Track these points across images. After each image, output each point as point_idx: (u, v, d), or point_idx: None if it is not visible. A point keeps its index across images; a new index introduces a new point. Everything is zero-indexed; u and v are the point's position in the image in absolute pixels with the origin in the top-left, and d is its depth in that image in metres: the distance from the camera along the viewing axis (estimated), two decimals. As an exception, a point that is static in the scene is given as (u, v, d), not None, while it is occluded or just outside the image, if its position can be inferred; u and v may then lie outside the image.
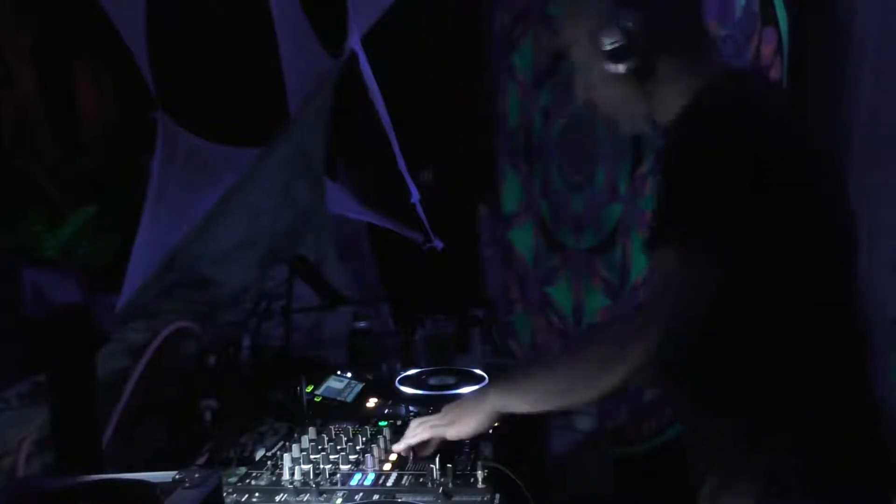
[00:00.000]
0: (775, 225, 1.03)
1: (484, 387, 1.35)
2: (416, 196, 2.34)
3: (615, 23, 1.13)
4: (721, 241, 1.02)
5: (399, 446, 1.29)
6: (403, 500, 1.13)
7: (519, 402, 1.19)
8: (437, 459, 1.21)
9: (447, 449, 1.26)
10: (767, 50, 2.01)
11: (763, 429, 1.08)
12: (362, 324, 2.01)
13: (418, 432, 1.28)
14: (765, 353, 1.07)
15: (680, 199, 1.05)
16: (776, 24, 2.00)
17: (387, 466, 1.25)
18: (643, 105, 1.22)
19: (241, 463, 1.27)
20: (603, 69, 1.18)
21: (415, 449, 1.29)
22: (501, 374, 1.43)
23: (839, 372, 1.09)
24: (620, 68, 1.15)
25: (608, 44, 1.14)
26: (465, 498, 1.13)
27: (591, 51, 1.18)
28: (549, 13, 2.38)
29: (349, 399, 1.60)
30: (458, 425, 1.23)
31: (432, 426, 1.27)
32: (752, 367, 1.08)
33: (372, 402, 1.58)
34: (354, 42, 2.00)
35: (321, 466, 1.23)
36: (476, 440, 1.30)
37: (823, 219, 1.10)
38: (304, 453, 1.27)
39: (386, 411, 1.53)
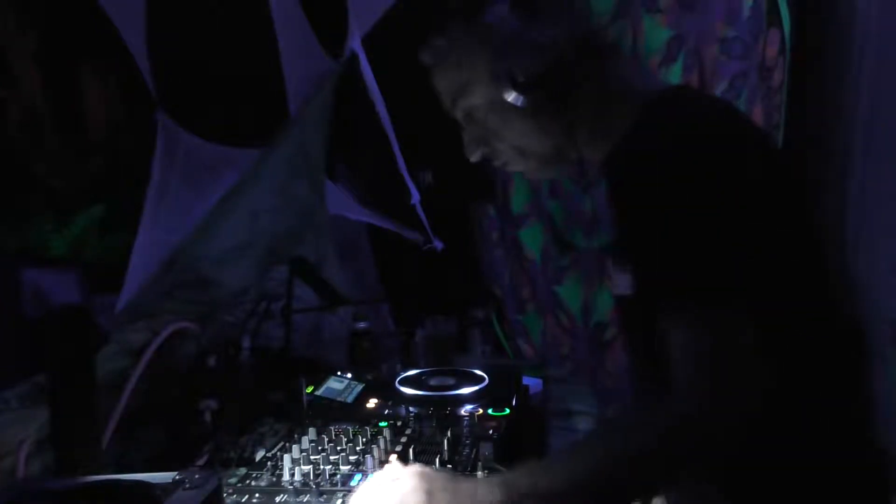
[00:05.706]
0: (771, 245, 0.93)
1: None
2: (416, 197, 2.34)
3: (519, 45, 1.02)
4: (740, 284, 0.87)
5: None
6: (403, 500, 1.13)
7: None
8: (437, 460, 1.21)
9: (447, 450, 1.26)
10: (772, 52, 2.01)
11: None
12: (362, 324, 2.01)
13: None
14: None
15: (675, 251, 0.89)
16: (780, 26, 1.99)
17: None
18: (565, 140, 1.09)
19: (241, 463, 1.27)
20: (506, 108, 1.05)
21: None
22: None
23: (832, 380, 1.01)
24: (530, 100, 1.03)
25: (515, 70, 1.02)
26: (465, 498, 1.13)
27: (489, 89, 1.07)
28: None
29: (349, 400, 1.60)
30: None
31: None
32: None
33: (372, 403, 1.58)
34: (354, 42, 2.00)
35: (321, 467, 1.23)
36: (476, 440, 1.30)
37: (801, 226, 1.01)
38: (305, 454, 1.27)
39: (386, 412, 1.53)
